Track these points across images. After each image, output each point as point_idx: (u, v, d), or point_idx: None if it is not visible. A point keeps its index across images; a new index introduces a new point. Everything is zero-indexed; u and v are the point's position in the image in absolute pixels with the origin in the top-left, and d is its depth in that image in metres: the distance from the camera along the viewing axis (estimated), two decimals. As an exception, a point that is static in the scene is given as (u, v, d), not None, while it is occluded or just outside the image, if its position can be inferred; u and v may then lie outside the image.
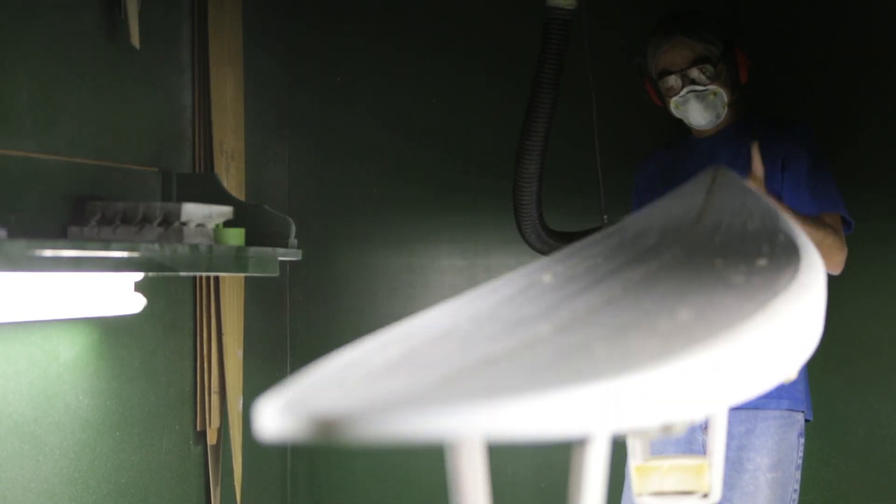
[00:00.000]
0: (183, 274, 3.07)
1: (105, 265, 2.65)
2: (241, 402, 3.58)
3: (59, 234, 2.86)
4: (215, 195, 3.17)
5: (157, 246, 2.77)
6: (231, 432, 3.57)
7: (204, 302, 3.49)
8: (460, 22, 3.92)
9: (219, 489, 3.54)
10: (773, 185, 2.86)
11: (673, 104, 2.97)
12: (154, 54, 3.25)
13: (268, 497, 3.88)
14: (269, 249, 3.09)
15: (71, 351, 3.00)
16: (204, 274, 3.31)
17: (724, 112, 2.96)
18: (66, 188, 2.90)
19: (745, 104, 3.06)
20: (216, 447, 3.52)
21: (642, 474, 1.87)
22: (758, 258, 1.45)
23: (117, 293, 2.98)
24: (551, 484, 3.81)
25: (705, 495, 1.89)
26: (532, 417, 0.87)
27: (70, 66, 2.95)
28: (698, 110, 2.94)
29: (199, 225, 2.95)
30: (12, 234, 2.58)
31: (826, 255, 2.57)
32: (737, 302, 1.23)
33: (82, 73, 3.00)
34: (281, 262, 3.16)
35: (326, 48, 3.99)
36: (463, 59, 3.92)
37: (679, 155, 3.07)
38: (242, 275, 3.43)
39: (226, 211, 3.04)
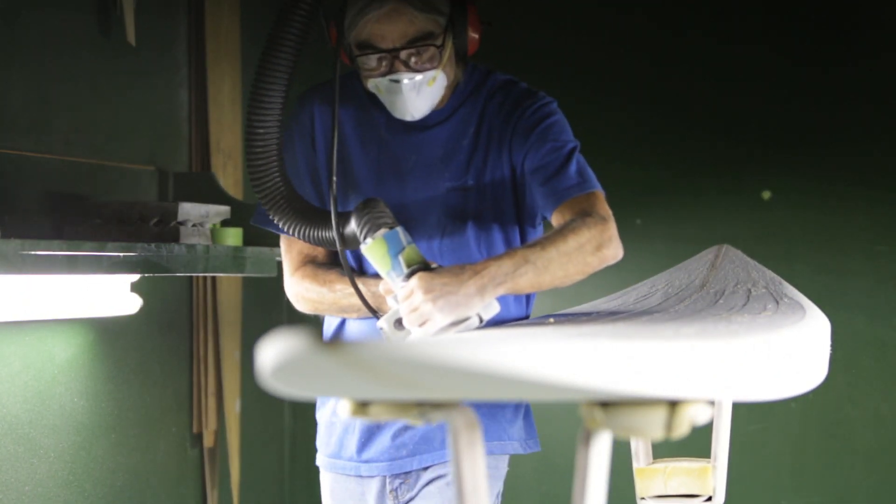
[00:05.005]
0: (179, 274, 3.05)
1: (100, 265, 2.63)
2: (238, 403, 3.55)
3: (54, 234, 2.84)
4: (212, 194, 3.15)
5: (153, 246, 2.75)
6: (228, 435, 3.54)
7: (201, 302, 3.47)
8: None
9: (216, 492, 3.51)
10: (503, 182, 2.17)
11: (371, 84, 2.09)
12: (150, 51, 3.23)
13: (266, 501, 3.85)
14: (266, 249, 3.07)
15: (66, 352, 2.97)
16: (201, 274, 3.29)
17: (440, 97, 2.13)
18: (61, 187, 2.88)
19: (466, 69, 2.22)
20: (213, 450, 3.50)
21: (645, 477, 1.85)
22: (763, 311, 1.45)
23: (113, 293, 2.95)
24: (553, 488, 3.79)
25: (709, 498, 1.87)
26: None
27: (65, 63, 2.93)
28: (408, 101, 2.08)
29: (195, 224, 2.93)
30: (6, 234, 2.55)
31: (592, 253, 2.01)
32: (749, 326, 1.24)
33: (77, 70, 2.98)
34: (279, 262, 3.13)
35: (325, 46, 3.96)
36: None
37: (366, 134, 2.19)
38: (240, 275, 3.40)
39: (223, 210, 3.02)
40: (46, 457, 2.88)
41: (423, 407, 1.17)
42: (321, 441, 2.27)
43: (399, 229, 1.97)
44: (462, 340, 0.84)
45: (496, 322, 1.98)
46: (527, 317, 2.23)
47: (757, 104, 3.58)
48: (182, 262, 2.82)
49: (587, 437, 1.05)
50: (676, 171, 3.63)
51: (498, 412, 2.19)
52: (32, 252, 2.44)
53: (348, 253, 2.11)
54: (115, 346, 3.14)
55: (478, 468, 1.08)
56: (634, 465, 1.89)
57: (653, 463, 1.88)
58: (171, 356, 3.39)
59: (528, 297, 2.22)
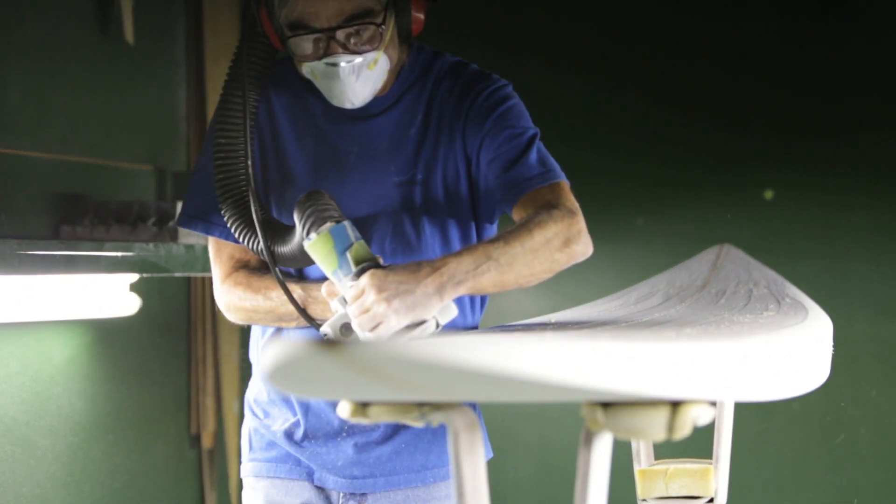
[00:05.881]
0: (178, 274, 3.03)
1: (98, 265, 2.62)
2: (237, 405, 3.54)
3: (52, 234, 2.83)
4: (211, 194, 3.14)
5: (151, 246, 2.74)
6: (226, 436, 3.53)
7: (199, 303, 3.46)
8: (461, 19, 3.87)
9: (214, 493, 3.50)
10: (456, 174, 1.96)
11: (306, 69, 1.90)
12: (148, 50, 3.22)
13: (265, 501, 3.84)
14: (265, 249, 3.06)
15: (64, 353, 2.96)
16: (199, 274, 3.28)
17: (382, 81, 1.93)
18: (59, 186, 2.87)
19: (411, 51, 2.02)
20: (211, 451, 3.49)
21: (646, 478, 1.83)
22: (764, 311, 1.44)
23: (111, 294, 2.94)
24: (553, 489, 3.77)
25: (711, 500, 1.85)
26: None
27: (63, 61, 2.92)
28: (347, 87, 1.88)
29: (194, 224, 2.91)
30: (3, 234, 2.55)
31: (560, 248, 1.81)
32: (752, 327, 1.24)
33: (75, 68, 2.97)
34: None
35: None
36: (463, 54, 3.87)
37: (302, 125, 1.98)
38: (239, 275, 3.40)
39: (221, 210, 3.00)
40: (44, 458, 2.87)
41: (424, 408, 1.15)
42: (256, 445, 2.03)
43: (346, 223, 1.76)
44: (463, 341, 0.82)
45: (451, 328, 1.80)
46: (475, 326, 2.03)
47: (759, 101, 3.57)
48: (180, 261, 2.81)
49: (588, 438, 1.04)
50: (677, 169, 3.62)
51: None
52: (29, 252, 2.43)
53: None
54: (113, 346, 3.13)
55: (478, 470, 1.07)
56: (635, 466, 1.88)
57: (654, 464, 1.86)
58: (169, 357, 3.37)
59: (483, 302, 2.02)
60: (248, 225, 1.87)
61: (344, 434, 1.95)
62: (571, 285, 3.79)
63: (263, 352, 0.83)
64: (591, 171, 3.49)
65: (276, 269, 1.86)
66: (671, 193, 3.61)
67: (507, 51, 3.77)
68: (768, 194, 3.53)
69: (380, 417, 1.19)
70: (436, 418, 1.15)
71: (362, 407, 1.19)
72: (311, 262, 1.82)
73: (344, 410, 1.25)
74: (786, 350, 1.13)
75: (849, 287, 3.48)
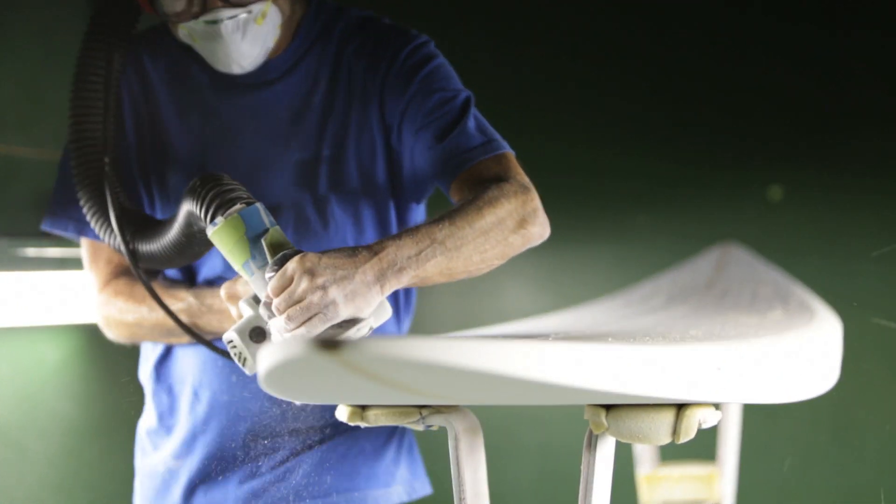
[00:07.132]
0: (173, 275, 3.03)
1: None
2: (233, 407, 3.53)
3: (45, 233, 2.83)
4: (206, 194, 3.13)
5: (145, 245, 2.71)
6: (223, 439, 3.51)
7: (195, 304, 3.43)
8: (461, 7, 3.86)
9: (210, 497, 3.48)
10: (372, 149, 1.69)
11: (183, 32, 1.65)
12: (143, 48, 3.22)
13: (261, 505, 3.83)
14: (261, 250, 3.04)
15: (57, 355, 2.95)
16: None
17: (274, 38, 1.67)
18: (51, 184, 2.85)
19: (310, 4, 1.77)
20: (208, 454, 3.47)
21: (650, 483, 1.81)
22: (770, 312, 1.44)
23: (105, 295, 2.94)
24: (554, 492, 3.76)
25: (716, 505, 1.84)
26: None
27: (56, 57, 2.91)
28: (232, 47, 1.61)
29: (189, 224, 2.90)
30: (-5, 233, 2.53)
31: (514, 230, 1.53)
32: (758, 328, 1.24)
33: (69, 66, 2.95)
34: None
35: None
36: (461, 53, 3.85)
37: (185, 99, 1.72)
38: (235, 276, 3.38)
39: (217, 210, 2.98)
40: (36, 461, 2.86)
41: (424, 411, 1.13)
42: (144, 496, 1.79)
43: (259, 206, 1.45)
44: (466, 344, 0.79)
45: (380, 333, 1.59)
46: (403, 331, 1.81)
47: (763, 97, 3.55)
48: (175, 262, 2.80)
49: (591, 442, 1.02)
50: (680, 166, 3.61)
51: (379, 450, 1.75)
52: (21, 251, 2.42)
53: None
54: (106, 349, 3.11)
55: (479, 473, 1.05)
56: (639, 470, 1.86)
57: (658, 468, 1.84)
58: (164, 359, 3.36)
59: (409, 306, 1.81)
60: (107, 217, 1.62)
61: (236, 467, 1.70)
62: (572, 285, 3.77)
63: (259, 353, 0.80)
64: (592, 168, 3.47)
65: (140, 271, 1.60)
66: (674, 190, 3.59)
67: (506, 43, 3.75)
68: (774, 192, 3.52)
69: (378, 421, 1.16)
70: (436, 421, 1.12)
71: (360, 410, 1.16)
72: (189, 261, 1.59)
73: (342, 414, 1.22)
74: (791, 352, 1.11)
75: (856, 287, 3.46)
